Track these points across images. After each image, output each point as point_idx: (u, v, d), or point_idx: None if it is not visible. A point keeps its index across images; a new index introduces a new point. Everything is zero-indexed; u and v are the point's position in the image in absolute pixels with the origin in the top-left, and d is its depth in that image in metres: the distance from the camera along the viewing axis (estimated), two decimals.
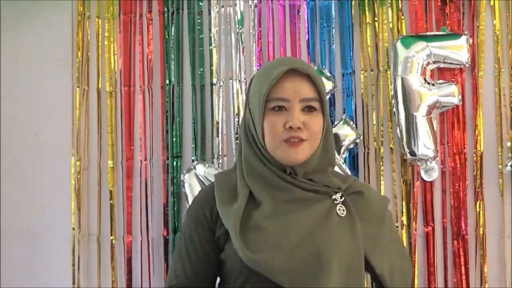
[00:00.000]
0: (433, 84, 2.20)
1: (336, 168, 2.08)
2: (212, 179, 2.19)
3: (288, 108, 1.54)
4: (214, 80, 2.31)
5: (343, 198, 1.62)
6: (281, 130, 1.55)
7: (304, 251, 1.56)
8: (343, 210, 1.61)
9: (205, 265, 1.64)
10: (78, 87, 2.35)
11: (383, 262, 1.63)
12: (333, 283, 1.54)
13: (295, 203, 1.61)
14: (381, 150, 2.25)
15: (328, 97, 2.23)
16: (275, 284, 1.55)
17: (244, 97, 2.25)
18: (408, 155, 2.20)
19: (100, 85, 2.36)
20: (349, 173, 2.20)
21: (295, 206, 1.60)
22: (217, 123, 2.27)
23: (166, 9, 2.29)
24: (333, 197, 1.61)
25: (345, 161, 2.21)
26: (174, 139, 2.27)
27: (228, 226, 1.57)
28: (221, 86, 2.29)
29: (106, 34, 2.34)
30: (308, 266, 1.57)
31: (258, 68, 2.26)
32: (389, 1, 2.23)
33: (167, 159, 2.30)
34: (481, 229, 2.20)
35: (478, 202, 2.21)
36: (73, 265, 2.30)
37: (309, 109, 1.55)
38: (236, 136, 2.29)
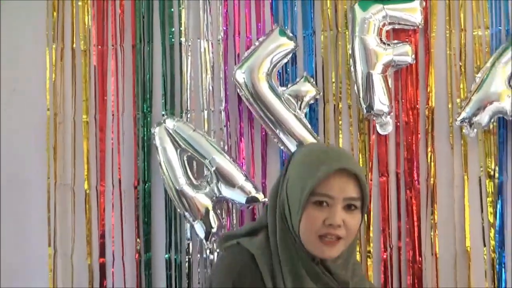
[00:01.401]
0: (388, 44, 2.25)
1: (301, 128, 2.23)
2: (182, 133, 2.26)
3: (331, 205, 1.50)
4: (183, 40, 2.33)
5: None
6: (320, 225, 1.51)
7: None
8: None
9: None
10: (54, 45, 2.36)
11: None
12: None
13: None
14: (340, 106, 2.30)
15: (290, 56, 2.27)
16: None
17: (211, 56, 2.30)
18: (365, 110, 2.26)
19: (74, 43, 2.37)
20: (309, 126, 2.26)
21: None
22: (185, 80, 2.32)
23: None
24: None
25: (306, 115, 2.28)
26: (144, 95, 2.33)
27: None
28: (189, 45, 2.33)
29: None
30: None
31: (224, 28, 2.31)
32: None
33: (138, 113, 2.33)
34: (432, 179, 2.27)
35: (429, 154, 2.28)
36: (49, 212, 2.33)
37: (349, 207, 1.52)
38: (205, 88, 2.32)
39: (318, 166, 1.50)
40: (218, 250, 2.24)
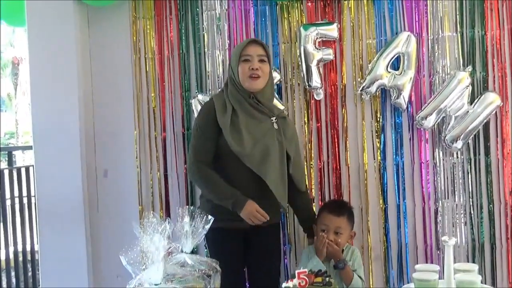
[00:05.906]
0: (319, 49, 3.50)
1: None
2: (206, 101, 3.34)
3: (251, 60, 2.68)
4: (206, 50, 3.68)
5: (276, 119, 2.77)
6: (247, 70, 2.68)
7: (259, 148, 2.64)
8: (276, 126, 2.75)
9: (212, 145, 2.72)
10: (135, 55, 3.72)
11: (292, 152, 2.82)
12: (274, 164, 2.70)
13: (253, 118, 2.69)
14: (293, 84, 3.62)
15: None
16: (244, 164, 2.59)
17: (221, 59, 3.71)
18: (307, 86, 3.53)
19: (145, 54, 3.70)
20: (277, 96, 3.58)
21: (254, 120, 2.69)
22: (208, 72, 3.75)
23: (179, 12, 3.75)
24: (271, 118, 2.76)
25: (275, 90, 3.51)
26: (186, 81, 3.73)
27: (223, 127, 2.62)
28: (209, 53, 3.69)
29: (148, 27, 3.71)
30: (261, 155, 2.66)
31: (228, 43, 3.72)
32: (296, 5, 3.66)
33: (183, 92, 3.71)
34: (345, 124, 3.60)
35: (343, 110, 3.63)
36: (135, 147, 3.76)
37: (261, 61, 2.70)
38: (218, 76, 3.70)
39: (241, 44, 2.72)
40: None
